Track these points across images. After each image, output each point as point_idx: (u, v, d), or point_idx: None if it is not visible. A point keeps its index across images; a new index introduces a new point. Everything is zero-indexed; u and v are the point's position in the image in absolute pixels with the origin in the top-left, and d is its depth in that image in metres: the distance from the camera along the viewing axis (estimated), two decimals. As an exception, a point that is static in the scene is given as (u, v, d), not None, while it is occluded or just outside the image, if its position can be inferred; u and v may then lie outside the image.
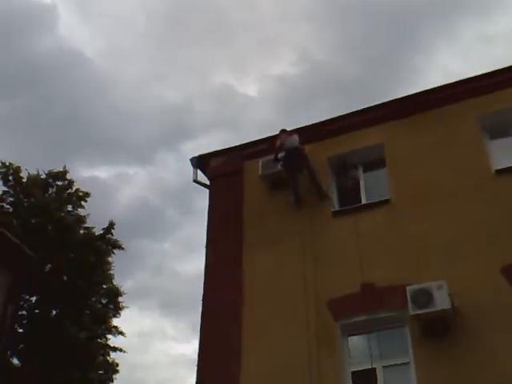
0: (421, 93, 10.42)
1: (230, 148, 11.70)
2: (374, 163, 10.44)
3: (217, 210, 10.98)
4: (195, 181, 11.61)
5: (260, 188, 10.76)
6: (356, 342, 8.64)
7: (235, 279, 9.77)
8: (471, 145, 9.45)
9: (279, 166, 10.32)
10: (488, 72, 9.94)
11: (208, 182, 11.70)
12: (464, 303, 7.81)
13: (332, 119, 10.93)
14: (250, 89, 56.24)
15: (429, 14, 44.69)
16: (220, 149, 11.78)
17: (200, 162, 11.71)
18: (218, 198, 11.16)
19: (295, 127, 10.89)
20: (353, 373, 8.28)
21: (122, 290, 19.19)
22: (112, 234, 18.32)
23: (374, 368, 8.17)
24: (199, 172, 11.77)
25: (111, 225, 18.35)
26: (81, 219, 18.25)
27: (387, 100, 10.61)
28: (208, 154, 11.75)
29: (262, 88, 54.91)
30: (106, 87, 49.20)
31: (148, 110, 47.97)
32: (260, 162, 10.73)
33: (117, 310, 19.00)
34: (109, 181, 42.11)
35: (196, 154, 11.66)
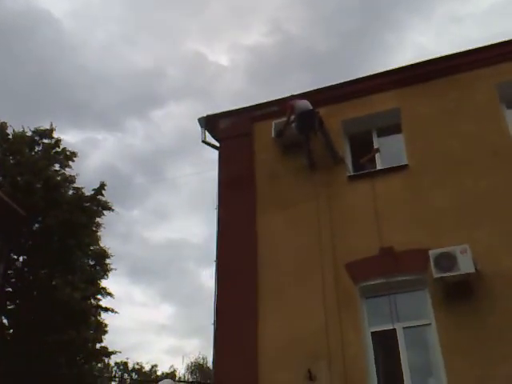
0: (438, 59, 10.37)
1: (239, 109, 11.53)
2: (389, 128, 10.44)
3: (227, 172, 10.86)
4: (204, 141, 11.46)
5: (272, 150, 10.69)
6: (375, 303, 8.71)
7: (249, 241, 9.74)
8: (489, 112, 9.51)
9: (293, 128, 10.25)
10: (507, 40, 9.94)
11: (217, 143, 11.56)
12: (485, 267, 7.93)
13: (346, 82, 10.83)
14: (222, 58, 55.89)
15: None
16: (228, 110, 11.60)
17: (208, 123, 11.53)
18: (228, 160, 11.03)
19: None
20: (373, 333, 8.40)
21: (109, 251, 19.07)
22: (103, 195, 18.06)
23: (395, 329, 8.29)
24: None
25: (102, 186, 18.09)
26: (70, 179, 17.91)
27: (403, 65, 10.56)
28: (216, 114, 11.57)
29: (233, 57, 54.57)
30: (74, 48, 48.10)
31: (117, 74, 47.15)
32: (273, 123, 10.64)
33: (105, 271, 18.90)
34: (77, 146, 41.37)
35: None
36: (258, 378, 8.40)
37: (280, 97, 11.14)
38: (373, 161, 10.18)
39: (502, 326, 7.64)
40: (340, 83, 10.87)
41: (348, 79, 10.85)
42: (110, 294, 18.80)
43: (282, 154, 10.57)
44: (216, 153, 11.30)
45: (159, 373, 34.53)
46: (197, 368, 33.35)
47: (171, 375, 32.39)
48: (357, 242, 9.04)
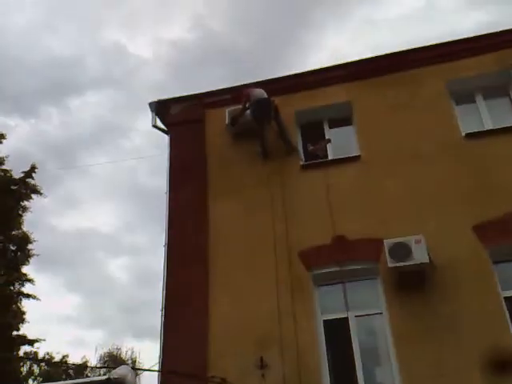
0: (389, 55, 10.57)
1: (190, 96, 11.35)
2: (340, 120, 10.55)
3: (178, 158, 10.65)
4: (154, 126, 11.17)
5: (224, 138, 10.57)
6: (328, 291, 8.73)
7: (200, 226, 9.57)
8: (439, 108, 9.76)
9: (247, 116, 10.18)
10: (456, 39, 10.29)
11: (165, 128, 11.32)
12: (435, 258, 8.09)
13: (301, 74, 10.85)
14: (143, 50, 55.36)
15: None
16: (179, 96, 11.38)
17: (159, 108, 11.27)
18: (179, 146, 10.83)
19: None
20: (325, 321, 8.42)
21: (32, 237, 18.28)
22: (33, 178, 17.29)
23: (347, 317, 8.36)
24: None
25: (32, 168, 17.32)
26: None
27: (355, 59, 10.69)
28: (167, 99, 11.33)
29: (154, 50, 54.19)
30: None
31: (35, 60, 45.60)
32: (226, 111, 10.52)
33: (26, 257, 18.12)
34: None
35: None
36: (206, 363, 8.23)
37: (230, 85, 11.14)
38: (324, 151, 10.25)
39: (453, 315, 7.79)
40: (294, 74, 10.90)
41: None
42: (30, 281, 18.07)
43: (234, 142, 10.47)
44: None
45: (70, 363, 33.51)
46: (111, 359, 32.56)
47: (83, 366, 31.50)
48: (310, 230, 9.04)
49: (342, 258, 8.66)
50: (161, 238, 9.72)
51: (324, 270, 8.73)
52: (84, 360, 31.81)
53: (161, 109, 11.28)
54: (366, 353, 8.11)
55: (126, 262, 51.64)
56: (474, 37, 10.21)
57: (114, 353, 32.55)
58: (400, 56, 10.50)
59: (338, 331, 8.38)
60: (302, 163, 9.92)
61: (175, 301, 8.99)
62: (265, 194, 9.61)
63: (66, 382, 5.89)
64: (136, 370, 6.94)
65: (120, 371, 6.25)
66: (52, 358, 27.14)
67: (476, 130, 9.42)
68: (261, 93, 10.06)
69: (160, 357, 8.52)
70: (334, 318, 8.47)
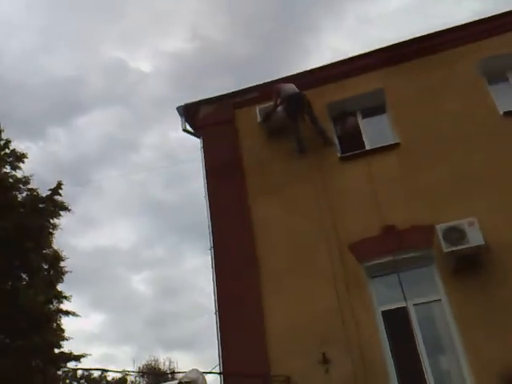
0: (417, 38, 10.46)
1: (218, 97, 11.27)
2: (373, 109, 10.47)
3: (212, 160, 10.57)
4: (184, 130, 11.11)
5: (257, 136, 10.49)
6: (383, 282, 8.67)
7: (244, 228, 9.51)
8: (474, 89, 9.67)
9: (280, 113, 10.10)
10: (484, 18, 10.19)
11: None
12: (490, 240, 7.96)
13: (329, 65, 10.77)
14: (143, 64, 55.57)
15: None
16: (207, 97, 11.30)
17: (187, 112, 11.19)
18: (212, 148, 10.74)
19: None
20: (383, 312, 8.35)
21: (63, 254, 18.20)
22: (60, 195, 17.20)
23: (405, 307, 8.28)
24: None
25: (59, 185, 17.18)
26: (24, 180, 16.97)
27: (385, 45, 10.58)
28: (195, 102, 11.24)
29: (155, 64, 54.31)
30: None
31: (36, 83, 45.56)
32: (257, 109, 10.45)
33: (60, 274, 18.05)
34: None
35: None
36: (269, 363, 8.17)
37: (260, 82, 11.03)
38: (353, 127, 10.30)
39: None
40: (322, 66, 10.82)
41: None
42: (66, 298, 17.99)
43: (268, 139, 10.38)
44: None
45: (109, 378, 33.57)
46: (150, 371, 32.60)
47: (122, 380, 31.54)
48: (357, 222, 8.96)
49: (393, 247, 8.56)
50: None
51: (377, 261, 8.65)
52: (124, 374, 31.90)
53: (189, 112, 11.19)
54: (429, 341, 8.06)
55: (147, 276, 51.80)
56: (503, 13, 10.09)
57: (153, 364, 32.56)
58: (428, 39, 10.38)
59: (397, 321, 8.30)
60: (340, 155, 9.82)
61: (228, 303, 8.93)
62: (306, 190, 9.53)
63: None
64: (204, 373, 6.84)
65: (191, 374, 6.22)
66: (90, 374, 27.07)
67: (513, 109, 9.31)
68: (292, 88, 9.99)
69: (220, 359, 8.47)
70: (392, 308, 8.37)
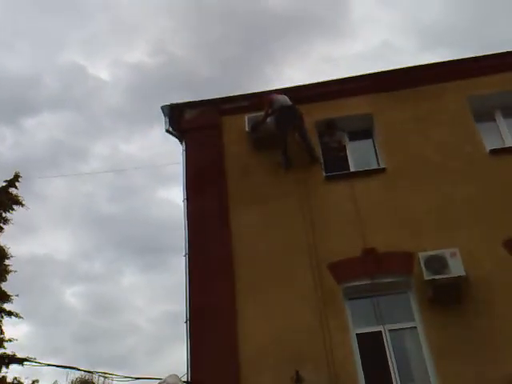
0: (411, 68, 10.65)
1: (206, 101, 11.09)
2: (360, 133, 10.52)
3: (194, 164, 10.35)
4: (167, 131, 10.85)
5: (243, 145, 10.35)
6: (358, 305, 8.60)
7: (222, 236, 9.30)
8: (462, 124, 9.85)
9: (269, 124, 10.00)
10: (478, 56, 10.44)
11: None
12: (469, 271, 8.04)
13: (320, 83, 10.79)
14: (103, 73, 54.79)
15: (285, 28, 46.94)
16: (194, 100, 11.12)
17: (172, 112, 10.95)
18: (195, 152, 10.52)
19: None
20: (358, 335, 8.28)
21: (9, 251, 17.22)
22: (16, 188, 16.36)
23: (380, 331, 8.25)
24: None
25: (16, 177, 16.35)
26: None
27: (376, 71, 10.67)
28: (181, 103, 11.03)
29: (114, 73, 53.68)
30: None
31: None
32: (246, 117, 10.31)
33: (3, 273, 17.08)
34: None
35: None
36: (239, 378, 7.95)
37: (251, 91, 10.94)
38: (339, 143, 10.27)
39: (489, 329, 7.80)
40: (315, 83, 10.82)
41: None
42: (8, 298, 16.97)
43: (253, 150, 10.25)
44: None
45: (44, 388, 32.37)
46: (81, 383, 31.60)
47: None
48: (338, 242, 8.91)
49: (372, 270, 8.55)
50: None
51: (355, 283, 8.60)
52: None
53: (174, 114, 10.96)
54: (403, 367, 8.01)
55: (81, 289, 50.08)
56: (497, 54, 10.35)
57: (86, 377, 31.49)
58: (422, 70, 10.58)
59: (372, 345, 8.23)
60: (325, 174, 9.78)
61: (201, 313, 8.65)
62: (289, 205, 9.43)
63: None
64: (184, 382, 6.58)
65: (170, 379, 5.97)
66: (21, 382, 25.88)
67: (501, 147, 9.52)
68: (285, 99, 9.92)
69: (188, 370, 8.18)
70: (367, 331, 8.32)
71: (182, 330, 8.59)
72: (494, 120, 10.21)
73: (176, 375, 6.23)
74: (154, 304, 46.95)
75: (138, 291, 49.76)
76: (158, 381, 6.45)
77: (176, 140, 10.87)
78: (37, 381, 30.31)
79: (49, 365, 6.60)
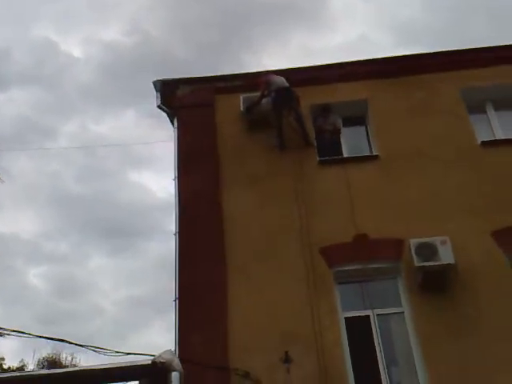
0: (407, 56, 10.74)
1: (200, 78, 11.00)
2: (354, 119, 10.56)
3: (186, 142, 10.26)
4: (159, 106, 10.72)
5: (237, 125, 10.30)
6: (348, 289, 8.70)
7: (213, 216, 9.28)
8: (455, 114, 9.96)
9: (264, 105, 9.97)
10: (474, 48, 10.53)
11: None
12: (458, 260, 8.16)
13: (317, 67, 10.76)
14: (75, 49, 53.73)
15: (265, 16, 46.71)
16: (187, 77, 10.99)
17: (164, 88, 10.82)
18: (187, 129, 10.43)
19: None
20: (346, 318, 8.38)
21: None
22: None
23: (368, 315, 8.37)
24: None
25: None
26: None
27: (374, 57, 10.68)
28: (174, 79, 10.90)
29: (87, 51, 52.71)
30: None
31: None
32: (241, 97, 10.25)
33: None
34: None
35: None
36: (228, 357, 7.99)
37: (245, 71, 10.87)
38: (333, 126, 10.25)
39: (475, 317, 7.98)
40: (310, 66, 10.78)
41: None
42: None
43: (247, 130, 10.21)
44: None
45: (5, 366, 32.06)
46: (50, 364, 31.38)
47: (20, 369, 30.24)
48: (331, 226, 8.96)
49: (363, 256, 8.65)
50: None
51: (345, 268, 8.69)
52: (21, 364, 30.60)
53: (166, 89, 10.83)
54: (389, 351, 8.18)
55: (45, 270, 49.26)
56: (492, 47, 10.45)
57: (53, 357, 31.30)
58: (418, 59, 10.63)
59: (359, 329, 8.35)
60: (319, 158, 9.81)
61: (190, 292, 8.63)
62: (283, 187, 9.46)
63: (107, 364, 5.50)
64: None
65: (165, 355, 5.96)
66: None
67: (492, 139, 9.68)
68: (282, 81, 9.87)
69: (176, 349, 8.18)
70: (355, 315, 8.43)
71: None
72: (485, 112, 10.34)
73: (171, 351, 6.23)
74: (120, 288, 46.69)
75: (104, 274, 49.45)
76: (149, 357, 6.40)
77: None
78: (2, 359, 30.26)
79: (40, 336, 6.50)
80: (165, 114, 10.78)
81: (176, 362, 5.90)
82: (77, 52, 53.75)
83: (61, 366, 29.22)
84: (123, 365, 6.10)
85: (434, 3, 47.49)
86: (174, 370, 5.80)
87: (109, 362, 6.61)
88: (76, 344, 6.59)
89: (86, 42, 52.75)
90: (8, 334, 6.40)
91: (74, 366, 29.90)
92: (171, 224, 9.45)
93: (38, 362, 31.37)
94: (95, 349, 6.83)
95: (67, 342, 6.57)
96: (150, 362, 5.88)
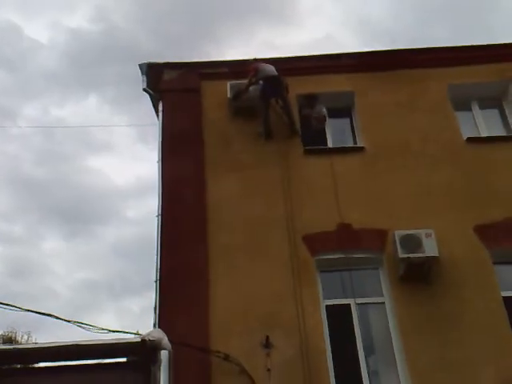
0: (396, 51, 10.82)
1: (186, 63, 10.91)
2: (338, 111, 10.56)
3: (171, 126, 10.14)
4: (145, 89, 10.60)
5: (222, 112, 10.22)
6: (329, 277, 8.68)
7: (198, 202, 9.17)
8: (442, 111, 10.04)
9: (251, 92, 9.91)
10: (461, 46, 10.65)
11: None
12: (440, 254, 8.21)
13: (304, 57, 10.76)
14: (40, 34, 53.26)
15: (231, 10, 46.88)
16: (174, 62, 10.88)
17: (149, 71, 10.69)
18: (173, 113, 10.31)
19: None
20: (327, 306, 8.36)
21: None
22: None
23: (349, 304, 8.36)
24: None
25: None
26: None
27: (363, 50, 10.73)
28: (160, 63, 10.78)
29: (52, 36, 52.28)
30: None
31: None
32: (228, 84, 10.17)
33: None
34: None
35: None
36: (209, 339, 7.88)
37: (232, 58, 10.82)
38: (319, 115, 10.17)
39: (456, 311, 8.02)
40: (299, 56, 10.80)
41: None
42: None
43: (233, 117, 10.14)
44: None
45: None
46: (5, 341, 30.79)
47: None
48: (315, 215, 8.94)
49: (346, 245, 8.66)
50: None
51: (328, 256, 8.67)
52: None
53: (151, 73, 10.71)
54: (369, 341, 8.20)
55: None
56: (481, 45, 10.58)
57: (10, 335, 30.70)
58: (406, 54, 10.69)
59: (340, 317, 8.34)
60: (304, 148, 9.78)
61: (172, 274, 8.52)
62: (267, 175, 9.41)
63: (96, 340, 5.33)
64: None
65: (155, 333, 5.82)
66: None
67: (478, 136, 9.77)
68: (271, 69, 9.83)
69: (155, 327, 8.06)
70: (336, 303, 8.42)
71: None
72: (470, 110, 10.44)
73: (160, 330, 6.09)
74: (74, 271, 46.30)
75: (59, 257, 48.93)
76: (132, 335, 6.28)
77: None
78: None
79: (28, 310, 6.34)
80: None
81: (165, 341, 5.76)
82: (41, 37, 53.10)
83: (18, 344, 28.72)
84: (113, 341, 5.95)
85: (401, 3, 48.18)
86: (163, 349, 5.64)
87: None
88: (62, 319, 6.45)
89: (51, 27, 52.14)
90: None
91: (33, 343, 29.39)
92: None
93: (-6, 339, 30.70)
94: (81, 325, 6.71)
95: (54, 316, 6.42)
96: (139, 339, 5.74)
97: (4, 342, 30.09)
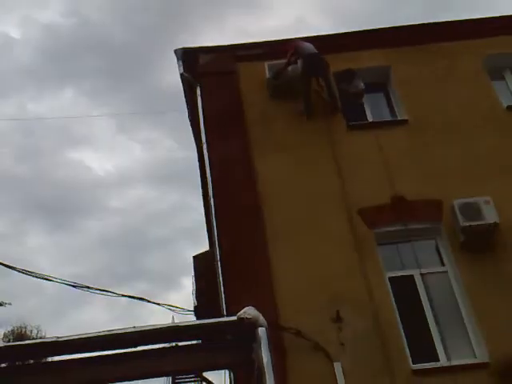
0: (430, 24, 10.82)
1: (220, 46, 10.84)
2: (375, 85, 10.58)
3: (212, 109, 10.07)
4: (182, 74, 10.51)
5: (261, 93, 10.16)
6: (388, 250, 8.72)
7: (248, 183, 9.13)
8: (479, 81, 10.13)
9: (290, 72, 9.89)
10: (495, 16, 10.73)
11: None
12: (502, 220, 8.25)
13: (339, 34, 10.77)
14: (12, 30, 52.72)
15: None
16: (208, 46, 10.82)
17: (185, 56, 10.61)
18: (212, 97, 10.24)
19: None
20: (390, 278, 8.42)
21: None
22: None
23: (412, 275, 8.43)
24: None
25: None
26: None
27: (396, 25, 10.74)
28: (195, 48, 10.72)
29: (25, 31, 51.79)
30: None
31: None
32: (266, 65, 10.14)
33: None
34: None
35: None
36: (278, 317, 7.87)
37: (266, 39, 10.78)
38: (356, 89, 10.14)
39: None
40: (332, 34, 10.78)
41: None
42: None
43: (272, 98, 10.08)
44: None
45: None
46: (16, 337, 30.56)
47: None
48: (367, 189, 8.93)
49: (403, 217, 8.68)
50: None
51: (386, 229, 8.71)
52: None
53: (187, 58, 10.62)
54: (437, 309, 8.20)
55: None
56: (507, 16, 10.67)
57: (20, 331, 30.43)
58: (440, 27, 10.73)
59: (404, 288, 8.39)
60: (347, 123, 9.79)
61: (232, 256, 8.49)
62: (314, 153, 9.40)
63: (195, 321, 5.32)
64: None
65: (250, 311, 5.81)
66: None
67: (515, 103, 9.89)
68: (312, 47, 9.79)
69: (223, 310, 8.08)
70: (399, 275, 8.47)
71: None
72: (504, 79, 10.53)
73: (254, 308, 6.08)
74: (59, 266, 46.12)
75: (43, 252, 48.51)
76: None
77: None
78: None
79: (123, 295, 6.31)
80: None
81: (261, 318, 5.75)
82: (14, 33, 52.45)
83: (29, 338, 28.46)
84: (210, 321, 5.95)
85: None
86: (261, 326, 5.64)
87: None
88: (154, 302, 6.45)
89: (23, 22, 51.50)
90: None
91: (40, 337, 29.20)
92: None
93: (5, 335, 30.43)
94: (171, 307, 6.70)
95: (146, 300, 6.43)
96: (235, 318, 5.73)
97: (15, 339, 29.82)
